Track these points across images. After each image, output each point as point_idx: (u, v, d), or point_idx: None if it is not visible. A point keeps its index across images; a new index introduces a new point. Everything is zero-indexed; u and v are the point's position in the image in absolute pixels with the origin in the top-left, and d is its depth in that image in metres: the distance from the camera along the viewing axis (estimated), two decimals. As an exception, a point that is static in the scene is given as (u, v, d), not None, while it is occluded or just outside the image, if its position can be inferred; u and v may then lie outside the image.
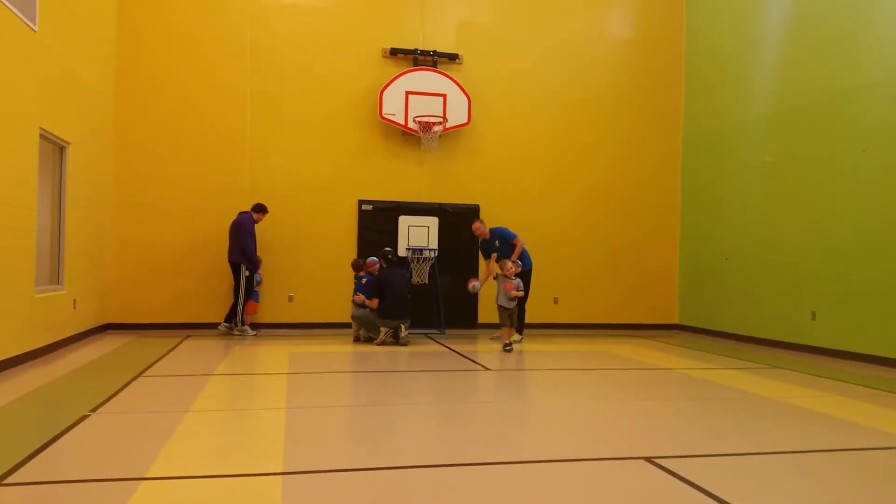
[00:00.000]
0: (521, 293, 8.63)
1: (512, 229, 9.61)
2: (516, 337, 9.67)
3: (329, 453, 3.91)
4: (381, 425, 4.68)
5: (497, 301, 8.57)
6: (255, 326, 9.81)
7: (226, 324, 9.55)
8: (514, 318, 8.64)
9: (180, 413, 4.71)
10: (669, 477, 3.50)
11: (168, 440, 4.00)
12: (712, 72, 10.98)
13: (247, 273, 9.41)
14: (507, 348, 8.43)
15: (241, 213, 9.53)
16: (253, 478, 3.41)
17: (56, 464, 3.60)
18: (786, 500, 3.19)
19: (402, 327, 8.79)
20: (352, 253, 10.48)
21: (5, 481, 3.25)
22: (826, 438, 4.43)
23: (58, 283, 7.81)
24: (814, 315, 8.65)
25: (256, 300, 9.97)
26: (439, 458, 3.88)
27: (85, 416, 4.55)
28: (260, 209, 9.68)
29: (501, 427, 4.83)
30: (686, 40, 11.68)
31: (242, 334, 9.39)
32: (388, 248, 9.28)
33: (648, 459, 3.78)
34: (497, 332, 9.78)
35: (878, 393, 6.04)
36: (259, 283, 9.90)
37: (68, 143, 7.83)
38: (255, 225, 9.54)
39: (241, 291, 9.41)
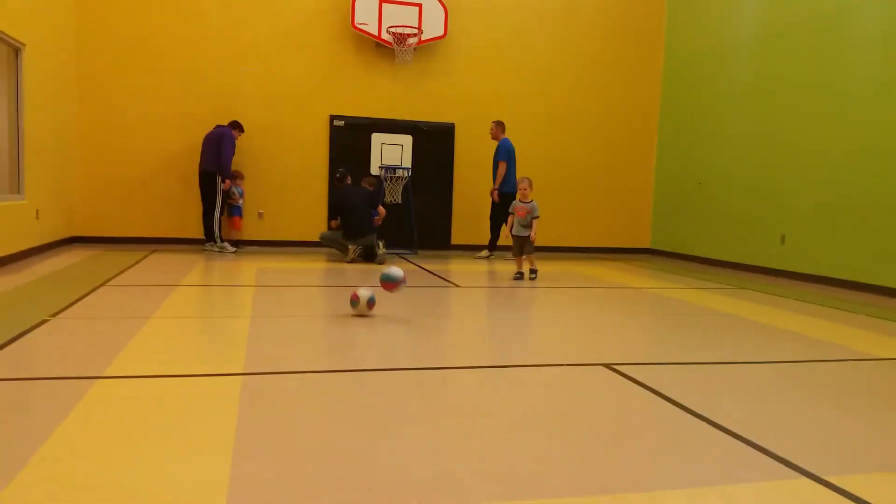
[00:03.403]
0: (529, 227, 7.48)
1: (488, 151, 9.68)
2: (484, 253, 9.78)
3: (290, 357, 3.90)
4: (344, 334, 4.67)
5: (510, 230, 7.65)
6: (233, 244, 9.61)
7: (209, 242, 9.32)
8: (526, 247, 7.53)
9: (142, 319, 4.66)
10: (626, 381, 3.54)
11: (127, 343, 3.96)
12: (696, -9, 10.69)
13: (224, 186, 9.20)
14: (518, 277, 7.59)
15: (220, 127, 9.27)
16: (211, 378, 3.39)
17: (12, 363, 3.55)
18: (739, 404, 3.24)
19: (380, 244, 8.76)
20: (323, 170, 10.31)
21: (-44, 378, 3.20)
22: (783, 350, 4.51)
23: (18, 192, 7.59)
24: (783, 239, 8.73)
25: (240, 216, 9.83)
26: (400, 362, 3.89)
27: (44, 321, 4.48)
28: (237, 126, 9.45)
29: (465, 338, 4.86)
30: (671, -43, 11.33)
31: (222, 251, 9.23)
32: (340, 168, 9.16)
33: (607, 366, 3.83)
34: (483, 252, 9.83)
35: (841, 313, 6.15)
36: (242, 196, 9.74)
37: (24, 44, 7.46)
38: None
39: (218, 204, 9.20)
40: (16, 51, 7.44)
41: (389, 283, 5.22)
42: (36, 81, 7.84)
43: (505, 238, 8.68)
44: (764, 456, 2.56)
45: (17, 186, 7.58)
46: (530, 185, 7.55)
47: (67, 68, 9.13)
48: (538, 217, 7.46)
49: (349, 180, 8.98)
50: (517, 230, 7.53)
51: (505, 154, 9.53)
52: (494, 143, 9.79)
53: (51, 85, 8.39)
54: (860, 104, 7.69)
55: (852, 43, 7.82)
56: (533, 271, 7.65)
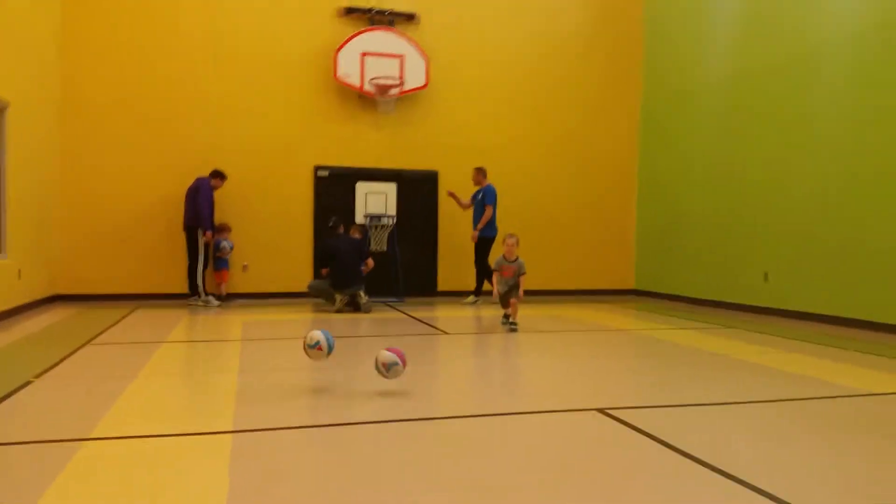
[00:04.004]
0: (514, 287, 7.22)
1: (468, 196, 9.92)
2: (471, 299, 9.79)
3: (280, 412, 3.85)
4: (333, 386, 4.62)
5: (497, 289, 7.26)
6: (218, 297, 9.52)
7: (193, 297, 9.22)
8: (513, 293, 7.20)
9: (128, 379, 4.58)
10: (620, 425, 3.53)
11: (114, 403, 3.89)
12: (673, 31, 10.99)
13: (204, 239, 9.16)
14: (505, 320, 7.32)
15: (198, 179, 9.26)
16: (202, 436, 3.33)
17: (-6, 428, 3.47)
18: (734, 445, 3.23)
19: (361, 294, 8.72)
20: (308, 221, 10.34)
21: (-62, 445, 3.12)
22: (773, 389, 4.52)
23: (0, 252, 7.52)
24: (766, 276, 8.82)
25: (227, 268, 9.78)
26: (392, 413, 3.85)
27: (28, 383, 4.40)
28: (218, 175, 9.43)
29: (457, 384, 4.82)
30: (645, 12, 11.66)
31: (207, 304, 9.14)
32: (333, 217, 9.19)
33: (601, 410, 3.81)
34: (469, 299, 9.84)
35: (825, 349, 6.19)
36: (231, 250, 9.72)
37: (7, 102, 7.49)
38: (214, 191, 9.31)
39: (200, 258, 9.15)
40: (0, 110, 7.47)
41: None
42: (19, 140, 7.83)
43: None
44: (765, 499, 2.54)
45: (-2, 245, 7.52)
46: (517, 242, 7.26)
47: (51, 125, 9.16)
48: (525, 273, 7.23)
49: (341, 229, 9.00)
50: (503, 288, 7.22)
51: (493, 199, 9.67)
52: (475, 189, 9.99)
53: (34, 142, 8.39)
54: (834, 142, 7.87)
55: (824, 82, 8.04)
56: (513, 323, 7.19)
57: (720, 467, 2.86)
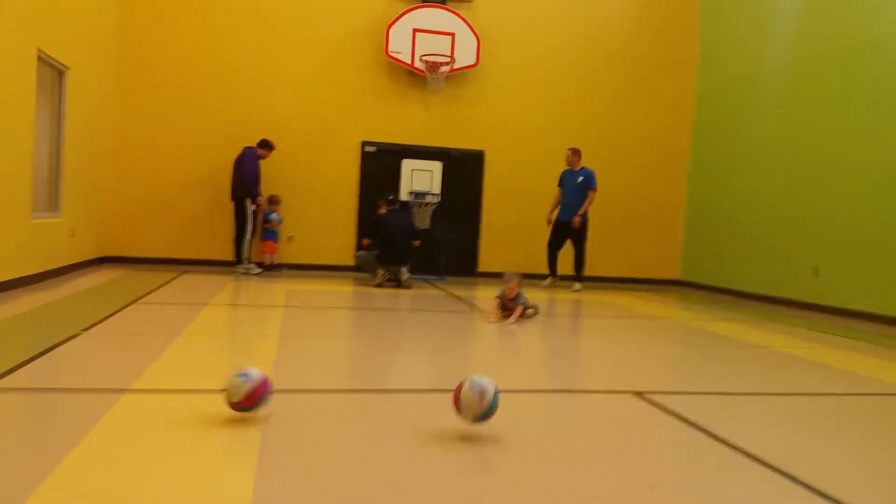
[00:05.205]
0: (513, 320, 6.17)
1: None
2: (577, 286, 9.43)
3: (318, 376, 3.89)
4: (372, 353, 4.65)
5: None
6: (267, 267, 9.69)
7: (238, 265, 9.34)
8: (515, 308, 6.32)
9: (171, 336, 4.69)
10: (655, 409, 3.46)
11: (156, 359, 3.98)
12: (731, 14, 10.66)
13: (253, 207, 9.28)
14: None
15: (246, 148, 9.36)
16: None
17: (42, 375, 3.59)
18: (772, 435, 3.15)
19: (404, 270, 8.76)
20: (353, 195, 10.41)
21: (-12, 386, 3.24)
22: (817, 383, 4.39)
23: (55, 210, 7.76)
24: (816, 271, 8.56)
25: (275, 240, 9.92)
26: (426, 384, 3.86)
27: (75, 335, 4.53)
28: (265, 145, 9.50)
29: (494, 361, 4.81)
30: (704, -11, 11.35)
31: (247, 272, 9.29)
32: (391, 193, 9.23)
33: (637, 394, 3.75)
34: (576, 286, 9.46)
35: (876, 347, 5.98)
36: (279, 222, 9.85)
37: (68, 67, 7.68)
38: (261, 161, 9.41)
39: (248, 227, 9.27)
40: (60, 73, 7.66)
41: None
42: (77, 104, 8.04)
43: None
44: (805, 490, 2.47)
45: (54, 204, 7.75)
46: (518, 285, 6.28)
47: (106, 93, 9.37)
48: (528, 306, 6.38)
49: (397, 205, 9.07)
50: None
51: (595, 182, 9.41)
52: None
53: (90, 108, 8.60)
54: (894, 134, 7.56)
55: (888, 70, 7.72)
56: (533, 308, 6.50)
57: (759, 455, 2.79)
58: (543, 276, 9.77)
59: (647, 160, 11.37)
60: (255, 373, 2.91)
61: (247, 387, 2.85)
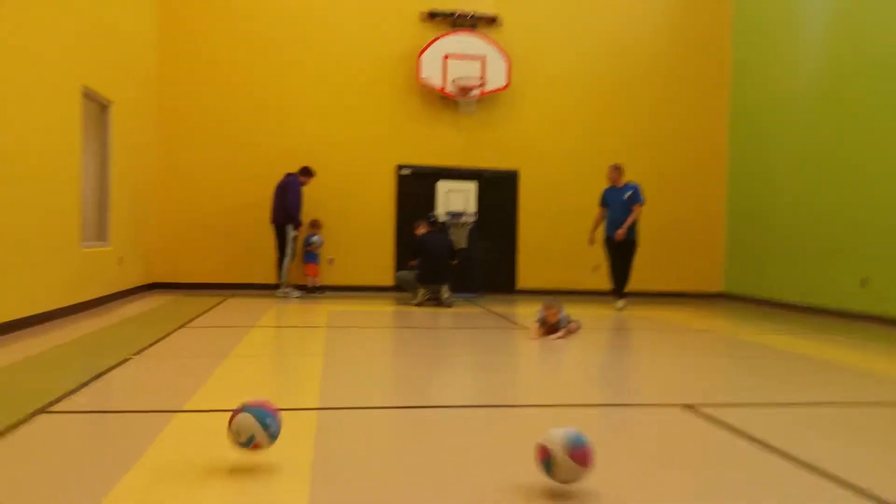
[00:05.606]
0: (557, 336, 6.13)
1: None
2: (620, 304, 9.20)
3: (364, 393, 3.92)
4: (416, 371, 4.67)
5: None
6: (309, 290, 9.90)
7: (279, 289, 9.49)
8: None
9: (219, 358, 4.78)
10: (705, 422, 3.42)
11: (207, 380, 4.06)
12: (764, 25, 10.58)
13: (294, 233, 9.44)
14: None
15: (287, 175, 9.53)
16: (289, 412, 3.42)
17: (98, 398, 3.69)
18: (825, 446, 3.08)
19: (444, 289, 8.80)
20: (391, 217, 10.52)
21: (50, 409, 3.33)
22: (871, 393, 4.28)
23: (104, 239, 7.98)
24: (864, 282, 8.35)
25: (317, 263, 10.09)
26: (472, 399, 3.86)
27: (127, 359, 4.64)
28: (307, 172, 9.67)
29: (539, 377, 4.79)
30: (733, 8, 11.28)
31: (286, 296, 9.42)
32: (431, 213, 9.33)
33: (687, 406, 3.70)
34: (619, 303, 9.02)
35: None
36: (321, 245, 10.02)
37: (112, 102, 7.94)
38: (302, 188, 9.57)
39: (288, 252, 9.42)
40: (103, 107, 7.92)
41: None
42: (121, 137, 8.30)
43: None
44: (855, 494, 2.41)
45: (103, 234, 7.98)
46: (559, 311, 6.18)
47: (149, 128, 9.65)
48: (572, 322, 6.32)
49: (437, 226, 9.22)
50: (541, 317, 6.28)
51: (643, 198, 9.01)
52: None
53: (134, 140, 8.87)
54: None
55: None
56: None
57: (816, 464, 2.73)
58: (581, 293, 9.69)
59: (683, 174, 11.28)
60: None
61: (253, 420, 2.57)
